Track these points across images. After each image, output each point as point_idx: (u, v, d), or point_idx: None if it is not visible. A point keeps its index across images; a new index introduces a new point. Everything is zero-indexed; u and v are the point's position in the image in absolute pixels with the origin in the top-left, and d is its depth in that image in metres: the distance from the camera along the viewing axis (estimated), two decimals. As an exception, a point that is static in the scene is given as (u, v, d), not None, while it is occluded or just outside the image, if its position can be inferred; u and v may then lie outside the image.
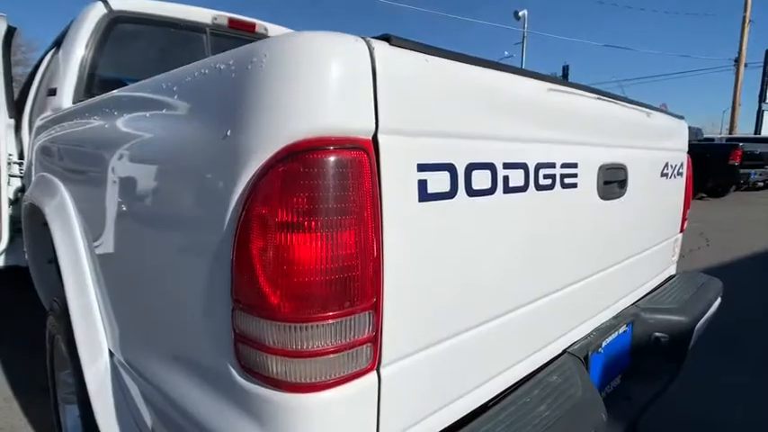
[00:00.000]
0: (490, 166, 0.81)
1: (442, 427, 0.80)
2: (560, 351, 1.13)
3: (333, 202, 0.58)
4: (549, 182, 0.97)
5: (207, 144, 0.68)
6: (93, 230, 1.09)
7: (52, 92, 2.04)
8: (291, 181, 0.57)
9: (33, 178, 1.73)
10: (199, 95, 0.76)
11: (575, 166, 1.05)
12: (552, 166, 0.98)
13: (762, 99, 21.91)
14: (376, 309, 0.63)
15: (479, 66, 0.79)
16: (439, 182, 0.72)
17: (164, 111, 0.85)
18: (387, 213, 0.64)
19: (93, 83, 2.03)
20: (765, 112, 21.87)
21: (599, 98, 1.14)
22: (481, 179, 0.79)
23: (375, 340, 0.64)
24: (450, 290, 0.77)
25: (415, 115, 0.68)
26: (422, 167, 0.69)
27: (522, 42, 27.05)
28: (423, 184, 0.69)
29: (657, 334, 1.46)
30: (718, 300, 1.78)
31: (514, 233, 0.90)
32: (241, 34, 2.65)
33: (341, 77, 0.59)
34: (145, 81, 1.01)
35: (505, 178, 0.84)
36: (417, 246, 0.70)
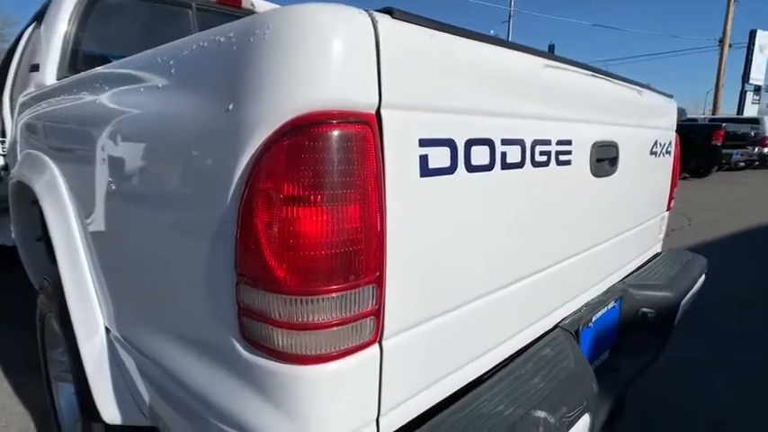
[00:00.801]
0: (489, 142, 0.81)
1: (440, 399, 0.82)
2: (553, 325, 1.16)
3: (337, 175, 0.58)
4: (544, 158, 0.97)
5: (208, 118, 0.67)
6: (86, 208, 1.07)
7: (35, 68, 1.98)
8: (296, 155, 0.57)
9: (19, 156, 1.68)
10: (198, 69, 0.75)
11: (569, 143, 1.06)
12: (548, 142, 0.98)
13: (745, 80, 22.17)
14: (379, 282, 0.64)
15: (480, 41, 0.79)
16: (439, 157, 0.72)
17: (159, 85, 0.83)
18: (389, 188, 0.64)
19: (78, 58, 1.99)
20: (748, 93, 22.14)
21: (593, 75, 1.15)
22: (480, 155, 0.79)
23: (378, 313, 0.65)
24: (449, 264, 0.78)
25: (417, 90, 0.68)
26: (423, 143, 0.69)
27: (509, 21, 26.86)
28: (424, 160, 0.69)
29: (644, 309, 1.50)
30: (703, 276, 1.83)
31: (511, 209, 0.91)
32: (227, 10, 2.60)
33: (345, 51, 0.59)
34: (138, 55, 0.98)
35: (503, 154, 0.85)
36: (418, 220, 0.70)
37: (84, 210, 1.08)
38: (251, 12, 2.65)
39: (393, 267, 0.66)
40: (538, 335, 1.10)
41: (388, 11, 0.65)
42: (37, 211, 1.73)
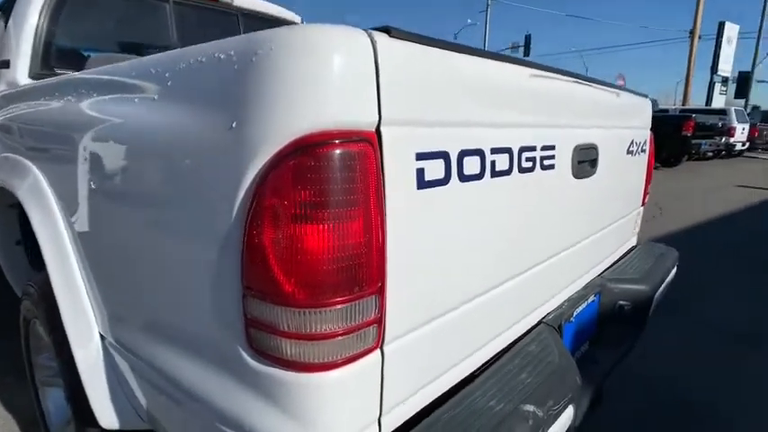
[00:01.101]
0: (479, 152, 0.85)
1: (436, 396, 0.87)
2: (536, 321, 1.22)
3: (341, 193, 0.61)
4: (530, 164, 1.02)
5: (210, 133, 0.69)
6: (77, 217, 1.07)
7: (4, 64, 1.90)
8: (302, 174, 0.60)
9: None
10: (197, 84, 0.76)
11: (552, 148, 1.11)
12: (533, 149, 1.03)
13: (713, 71, 22.79)
14: (381, 292, 0.67)
15: (472, 55, 0.82)
16: (435, 169, 0.75)
17: (156, 97, 0.84)
18: (389, 202, 0.67)
19: (51, 54, 1.91)
20: (716, 84, 22.79)
21: (575, 81, 1.19)
22: (472, 165, 0.83)
23: (380, 321, 0.69)
24: (444, 270, 0.82)
25: (413, 106, 0.71)
26: (420, 156, 0.72)
27: (486, 10, 26.96)
28: (420, 173, 0.73)
29: (621, 302, 1.57)
30: (675, 268, 1.92)
31: (500, 214, 0.95)
32: (205, 3, 2.55)
33: (347, 71, 0.61)
34: (130, 63, 0.98)
35: (492, 163, 0.89)
36: (415, 231, 0.74)
37: (76, 219, 1.08)
38: (228, 5, 2.61)
39: (393, 276, 0.69)
40: (523, 331, 1.16)
41: (386, 29, 0.67)
42: (15, 215, 1.71)
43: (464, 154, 0.81)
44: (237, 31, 2.65)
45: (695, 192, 8.08)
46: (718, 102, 22.70)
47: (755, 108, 23.91)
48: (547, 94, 1.08)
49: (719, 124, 13.56)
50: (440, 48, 0.76)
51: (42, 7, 1.89)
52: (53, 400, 1.59)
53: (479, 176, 0.86)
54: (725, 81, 23.53)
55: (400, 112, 0.69)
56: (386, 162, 0.66)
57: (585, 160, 1.30)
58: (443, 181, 0.77)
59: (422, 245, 0.76)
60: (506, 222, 0.98)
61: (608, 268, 1.70)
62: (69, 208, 1.09)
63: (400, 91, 0.68)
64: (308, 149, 0.60)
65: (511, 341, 1.11)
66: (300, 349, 0.64)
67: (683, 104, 22.53)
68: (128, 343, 0.99)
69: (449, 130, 0.78)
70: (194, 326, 0.80)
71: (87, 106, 1.08)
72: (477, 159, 0.84)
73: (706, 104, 22.07)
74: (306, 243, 0.60)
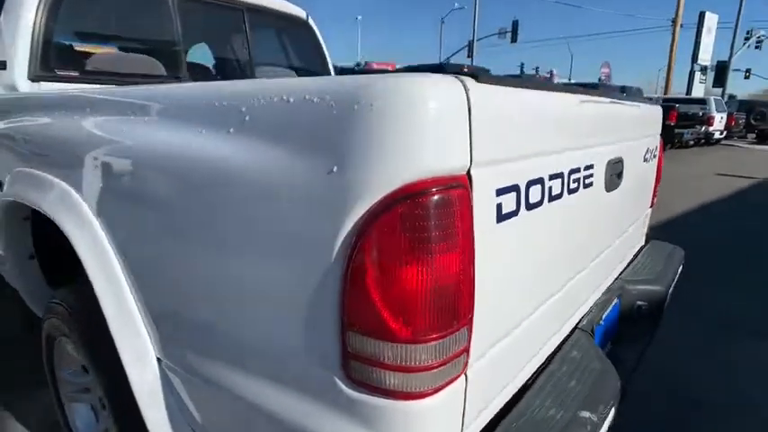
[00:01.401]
0: (541, 181, 0.91)
1: (500, 407, 0.94)
2: (573, 327, 1.30)
3: (441, 235, 0.66)
4: (576, 185, 1.08)
5: (303, 175, 0.72)
6: (133, 245, 1.07)
7: (1, 65, 1.78)
8: (406, 220, 0.64)
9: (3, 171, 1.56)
10: (283, 123, 0.78)
11: (592, 167, 1.18)
12: (579, 170, 1.09)
13: (694, 60, 23.18)
14: (470, 323, 0.73)
15: (540, 89, 0.88)
16: (509, 203, 0.81)
17: (230, 130, 0.85)
18: (477, 238, 0.73)
19: (50, 54, 1.83)
20: (696, 73, 23.19)
21: (611, 102, 1.26)
22: (535, 194, 0.89)
23: (467, 349, 0.75)
24: (513, 292, 0.88)
25: (496, 145, 0.76)
26: (498, 192, 0.78)
27: (474, -4, 26.88)
28: (499, 207, 0.78)
29: (639, 302, 1.67)
30: (681, 267, 2.03)
31: (554, 234, 1.02)
32: (213, -1, 2.46)
33: (446, 119, 0.66)
34: (185, 87, 0.99)
35: (549, 189, 0.95)
36: (494, 262, 0.79)
37: (131, 246, 1.07)
38: (233, 0, 2.51)
39: (478, 307, 0.75)
40: (563, 337, 1.23)
41: (472, 75, 0.72)
42: (28, 228, 1.62)
43: (530, 184, 0.87)
44: (242, 25, 2.57)
45: (680, 179, 8.34)
46: (698, 90, 23.16)
47: (732, 97, 24.46)
48: (590, 116, 1.15)
49: (700, 113, 13.89)
50: (514, 86, 0.81)
51: (39, 2, 1.77)
52: (82, 417, 1.57)
53: (540, 203, 0.92)
54: (704, 70, 23.99)
55: (486, 152, 0.74)
56: (475, 201, 0.72)
57: (614, 173, 1.37)
58: (515, 212, 0.83)
59: (497, 273, 0.82)
60: (558, 240, 1.05)
61: (624, 269, 1.79)
62: (121, 235, 1.09)
63: (486, 133, 0.73)
64: (412, 196, 0.64)
65: (555, 347, 1.18)
66: (401, 380, 0.69)
67: (664, 93, 22.92)
68: (196, 368, 1.00)
69: (520, 163, 0.84)
70: (284, 356, 0.82)
71: (138, 130, 1.06)
72: (539, 188, 0.90)
73: (687, 93, 22.51)
74: (411, 284, 0.65)
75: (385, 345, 0.68)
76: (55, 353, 1.54)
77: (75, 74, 1.87)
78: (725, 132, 16.11)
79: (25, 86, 1.75)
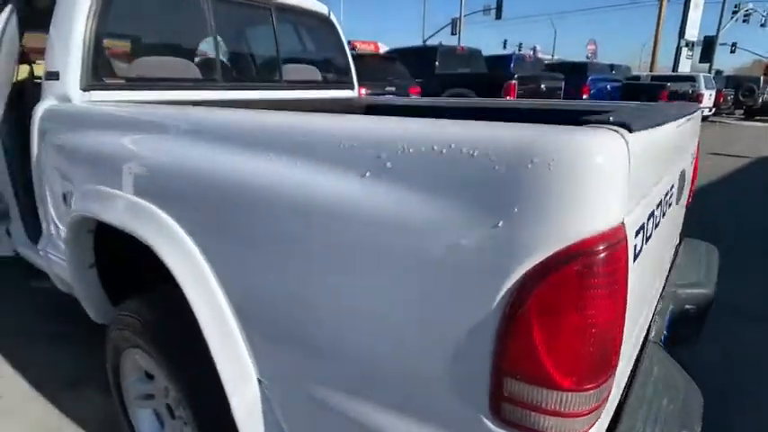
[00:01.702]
0: (653, 213, 0.92)
1: (606, 426, 0.96)
2: (643, 339, 1.32)
3: (608, 291, 0.67)
4: (667, 207, 1.10)
5: (461, 226, 0.71)
6: (245, 278, 1.06)
7: (53, 75, 1.80)
8: (578, 277, 0.64)
9: (67, 184, 1.58)
10: (434, 174, 0.75)
11: (673, 185, 1.19)
12: (668, 193, 1.10)
13: (681, 35, 23.23)
14: (617, 366, 0.74)
15: (663, 125, 0.88)
16: (639, 241, 0.82)
17: (366, 174, 0.82)
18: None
19: (100, 63, 1.83)
20: (683, 49, 23.28)
21: (688, 119, 1.26)
22: (650, 226, 0.90)
23: (610, 393, 0.76)
24: (629, 325, 0.89)
25: (637, 189, 0.76)
26: (636, 233, 0.78)
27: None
28: (635, 248, 0.79)
29: (688, 306, 1.71)
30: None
31: (653, 253, 1.03)
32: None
33: (613, 174, 0.66)
34: (312, 121, 0.96)
35: (656, 217, 0.96)
36: (628, 302, 0.80)
37: (242, 279, 1.06)
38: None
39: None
40: (638, 351, 1.26)
41: (625, 126, 0.72)
42: (91, 240, 1.66)
43: (649, 218, 0.88)
44: (270, 22, 2.61)
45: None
46: (685, 66, 23.30)
47: (719, 73, 24.71)
48: (678, 137, 1.15)
49: (690, 91, 14.03)
50: (651, 127, 0.81)
51: (89, 12, 1.78)
52: (147, 422, 1.61)
53: (652, 234, 0.93)
54: (690, 45, 24.09)
55: (633, 198, 0.74)
56: (628, 248, 0.72)
57: (681, 185, 1.39)
58: (642, 249, 0.84)
59: (627, 313, 0.83)
60: (653, 257, 1.06)
61: (669, 272, 1.83)
62: (227, 266, 1.08)
63: (635, 179, 0.73)
64: (585, 253, 0.64)
65: (633, 363, 1.21)
66: (554, 423, 0.71)
67: (650, 70, 23.01)
68: (306, 391, 1.00)
69: (645, 200, 0.84)
70: (421, 390, 0.82)
71: (250, 163, 1.03)
72: (652, 220, 0.91)
73: (673, 69, 22.63)
74: (576, 338, 0.66)
75: (544, 391, 0.69)
76: (122, 363, 1.56)
77: (122, 81, 1.85)
78: (713, 109, 16.33)
79: (77, 96, 1.72)
